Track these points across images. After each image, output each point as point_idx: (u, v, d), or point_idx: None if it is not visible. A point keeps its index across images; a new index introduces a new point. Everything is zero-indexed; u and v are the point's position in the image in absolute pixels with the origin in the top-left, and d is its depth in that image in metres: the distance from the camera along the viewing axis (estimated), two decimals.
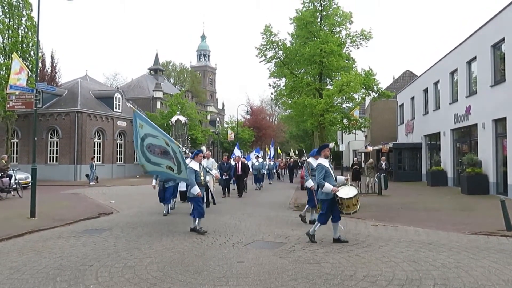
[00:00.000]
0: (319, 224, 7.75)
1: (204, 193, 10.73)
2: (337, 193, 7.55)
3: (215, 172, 10.64)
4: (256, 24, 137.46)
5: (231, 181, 17.98)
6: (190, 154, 14.64)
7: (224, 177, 16.78)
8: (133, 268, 6.14)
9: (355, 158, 25.03)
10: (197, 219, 8.91)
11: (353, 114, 20.91)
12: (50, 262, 6.53)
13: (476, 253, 6.85)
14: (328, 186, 7.51)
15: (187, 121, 30.70)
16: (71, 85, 35.05)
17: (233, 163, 18.48)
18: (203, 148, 9.45)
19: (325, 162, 7.85)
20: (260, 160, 22.79)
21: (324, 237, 8.40)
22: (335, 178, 7.89)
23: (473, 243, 7.64)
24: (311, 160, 9.97)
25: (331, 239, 8.11)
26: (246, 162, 19.41)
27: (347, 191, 7.77)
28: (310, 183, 9.83)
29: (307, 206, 10.30)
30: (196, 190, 8.82)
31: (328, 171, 7.72)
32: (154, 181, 12.15)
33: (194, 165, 9.17)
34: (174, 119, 26.22)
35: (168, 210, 11.88)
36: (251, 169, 21.82)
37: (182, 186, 12.78)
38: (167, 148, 9.33)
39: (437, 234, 8.60)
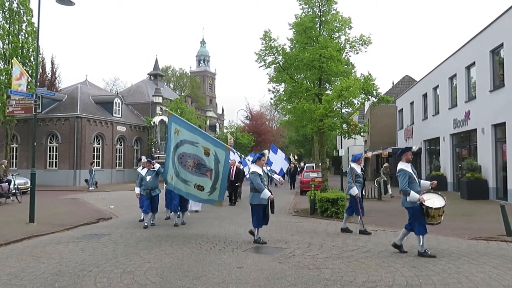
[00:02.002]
0: (421, 236, 7.02)
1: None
2: (423, 202, 6.93)
3: (278, 176, 9.80)
4: (256, 30, 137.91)
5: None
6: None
7: None
8: (132, 274, 6.11)
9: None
10: (257, 229, 8.32)
11: (352, 119, 20.89)
12: (48, 268, 6.50)
13: (476, 258, 6.83)
14: (414, 195, 6.91)
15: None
16: (70, 90, 35.12)
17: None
18: (266, 151, 9.14)
19: (407, 167, 7.27)
20: None
21: (324, 242, 8.38)
22: (419, 183, 7.31)
23: (473, 248, 7.62)
24: (354, 165, 9.70)
25: (330, 244, 8.08)
26: (242, 167, 18.50)
27: (434, 200, 7.12)
28: (355, 191, 9.40)
29: (345, 215, 9.77)
30: (266, 194, 8.13)
31: (412, 177, 7.18)
32: (137, 189, 10.99)
33: (257, 169, 8.48)
34: (157, 119, 24.36)
35: (153, 220, 10.95)
36: (248, 175, 21.27)
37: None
38: (204, 159, 8.63)
39: (437, 240, 8.58)
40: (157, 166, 10.97)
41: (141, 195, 10.74)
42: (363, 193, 10.28)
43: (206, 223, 11.19)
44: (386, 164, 20.39)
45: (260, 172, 8.43)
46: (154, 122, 22.94)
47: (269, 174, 9.18)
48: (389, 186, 18.53)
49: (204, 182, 8.93)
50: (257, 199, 8.21)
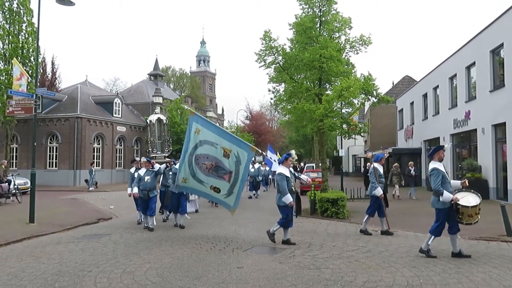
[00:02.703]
0: (432, 236, 6.95)
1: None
2: (457, 201, 6.71)
3: (305, 177, 9.29)
4: (256, 30, 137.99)
5: None
6: (171, 160, 14.11)
7: None
8: (132, 274, 6.11)
9: (368, 164, 21.43)
10: (282, 228, 8.21)
11: (352, 119, 20.88)
12: (48, 268, 6.50)
13: (476, 258, 6.83)
14: (447, 196, 6.69)
15: (166, 121, 27.10)
16: (71, 91, 35.11)
17: None
18: (292, 152, 8.74)
19: (440, 166, 7.01)
20: (256, 165, 21.39)
21: (324, 242, 8.37)
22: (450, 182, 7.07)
23: (473, 249, 7.62)
24: (377, 165, 9.46)
25: (330, 244, 8.07)
26: None
27: (468, 198, 6.84)
28: (379, 192, 9.15)
29: (366, 216, 9.47)
30: (288, 199, 7.92)
31: (445, 177, 6.93)
32: (129, 189, 10.98)
33: (284, 170, 8.17)
34: (154, 117, 23.13)
35: (153, 223, 10.43)
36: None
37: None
38: (223, 161, 8.39)
39: (437, 240, 8.54)
40: (157, 166, 10.73)
41: (139, 196, 10.50)
42: (398, 193, 9.96)
43: (206, 224, 11.18)
44: (396, 164, 19.65)
45: (287, 173, 8.14)
46: (151, 121, 21.98)
47: (296, 175, 8.77)
48: (397, 186, 17.94)
49: (220, 184, 8.70)
50: (283, 201, 8.02)
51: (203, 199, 15.58)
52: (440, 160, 7.17)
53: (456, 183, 7.26)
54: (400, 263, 6.58)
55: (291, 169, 8.53)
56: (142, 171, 10.53)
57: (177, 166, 10.56)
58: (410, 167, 18.65)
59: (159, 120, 22.41)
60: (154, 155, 19.05)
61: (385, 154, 10.50)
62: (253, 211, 14.32)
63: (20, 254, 7.60)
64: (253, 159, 23.01)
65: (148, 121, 21.66)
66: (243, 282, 5.66)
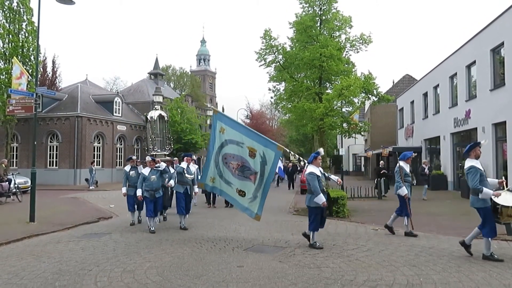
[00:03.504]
0: (489, 239, 6.70)
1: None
2: (496, 200, 6.52)
3: (335, 177, 8.70)
4: (256, 29, 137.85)
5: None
6: (174, 159, 13.78)
7: None
8: (132, 273, 6.11)
9: (381, 162, 20.28)
10: (312, 233, 7.85)
11: (352, 118, 20.90)
12: (49, 267, 6.50)
13: (477, 257, 6.83)
14: (487, 192, 6.47)
15: (167, 118, 26.05)
16: (71, 90, 35.11)
17: None
18: (321, 150, 8.35)
19: (477, 163, 6.77)
20: None
21: (324, 241, 8.37)
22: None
23: (473, 247, 7.59)
24: (403, 164, 9.20)
25: (331, 243, 8.07)
26: None
27: (506, 197, 6.64)
28: (404, 191, 8.91)
29: (394, 215, 9.26)
30: (321, 199, 7.58)
31: (483, 175, 6.72)
32: (124, 189, 10.88)
33: (315, 169, 7.83)
34: (155, 114, 21.77)
35: (157, 222, 10.37)
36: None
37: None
38: (249, 160, 8.07)
39: (437, 238, 8.58)
40: (163, 165, 10.47)
41: (144, 197, 9.93)
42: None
43: (206, 223, 11.18)
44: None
45: (318, 173, 7.82)
46: (152, 117, 20.95)
47: (326, 175, 8.43)
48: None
49: (246, 186, 8.32)
50: (315, 202, 7.69)
51: (200, 199, 15.56)
52: (477, 158, 6.93)
53: (493, 181, 7.09)
54: (400, 262, 6.59)
55: (321, 168, 8.17)
56: (146, 171, 10.04)
57: (182, 165, 10.42)
58: (424, 165, 17.50)
59: (160, 116, 21.54)
60: (154, 153, 18.59)
61: (413, 154, 10.05)
62: None
63: (21, 253, 7.60)
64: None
65: (149, 117, 20.77)
66: (244, 281, 5.67)
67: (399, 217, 9.16)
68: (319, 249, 7.59)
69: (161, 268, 6.37)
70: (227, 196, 9.26)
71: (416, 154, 12.45)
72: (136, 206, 10.94)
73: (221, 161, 8.55)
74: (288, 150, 8.84)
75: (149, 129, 21.13)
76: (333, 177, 8.54)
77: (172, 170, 11.07)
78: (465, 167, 6.87)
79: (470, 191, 6.82)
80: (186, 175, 10.29)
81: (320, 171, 7.98)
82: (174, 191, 11.01)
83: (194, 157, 9.22)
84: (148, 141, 20.64)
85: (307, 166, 8.13)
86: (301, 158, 9.57)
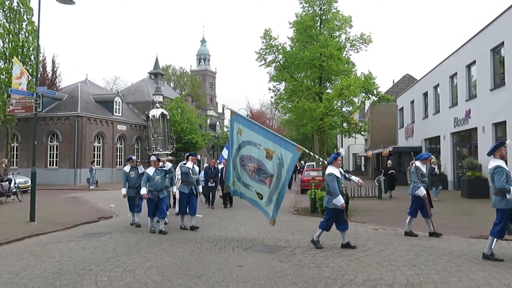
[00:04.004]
0: (495, 239, 6.64)
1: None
2: None
3: (356, 178, 8.39)
4: (256, 28, 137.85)
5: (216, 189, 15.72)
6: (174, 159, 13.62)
7: (210, 184, 14.95)
8: (132, 272, 6.12)
9: (389, 161, 19.75)
10: (320, 230, 7.73)
11: (353, 118, 20.91)
12: (49, 267, 6.51)
13: (476, 256, 6.83)
14: None
15: (169, 117, 25.40)
16: (71, 89, 35.13)
17: (221, 167, 16.12)
18: (341, 150, 8.10)
19: (503, 163, 6.67)
20: None
21: (324, 241, 8.38)
22: None
23: (473, 247, 7.62)
24: (419, 164, 9.07)
25: (331, 243, 8.07)
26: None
27: None
28: (422, 192, 8.71)
29: (409, 217, 8.99)
30: (340, 201, 7.40)
31: (509, 175, 6.58)
32: (124, 190, 10.67)
33: (335, 170, 7.68)
34: (157, 112, 20.95)
35: (158, 227, 9.74)
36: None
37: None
38: (266, 163, 7.87)
39: (437, 238, 8.58)
40: (168, 165, 10.15)
41: (148, 197, 9.63)
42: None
43: (206, 222, 11.18)
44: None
45: (338, 174, 7.67)
46: (154, 116, 20.11)
47: (346, 175, 8.17)
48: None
49: (262, 190, 8.16)
50: (333, 203, 7.52)
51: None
52: (502, 158, 6.84)
53: None
54: (400, 261, 6.59)
55: (341, 169, 7.99)
56: (150, 171, 9.79)
57: (188, 165, 10.27)
58: (433, 165, 16.60)
59: (162, 115, 20.83)
60: (156, 153, 18.25)
61: (431, 155, 9.77)
62: (252, 209, 14.29)
63: (21, 253, 7.61)
64: None
65: (150, 115, 19.99)
66: (244, 280, 5.67)
67: (413, 218, 8.97)
68: (319, 248, 7.56)
69: (161, 267, 6.38)
70: (248, 199, 8.88)
71: (433, 156, 11.77)
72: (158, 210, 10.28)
73: (239, 163, 8.39)
74: (307, 151, 8.57)
75: (150, 127, 20.59)
76: (353, 178, 8.33)
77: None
78: (489, 167, 6.79)
79: (494, 191, 6.72)
80: (192, 175, 10.18)
81: (340, 172, 7.83)
82: (175, 192, 10.94)
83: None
84: (150, 140, 20.22)
85: (327, 167, 7.94)
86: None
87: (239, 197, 9.24)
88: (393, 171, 18.35)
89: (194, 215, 10.09)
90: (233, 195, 9.61)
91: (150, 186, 9.65)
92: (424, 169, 9.23)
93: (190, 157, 10.57)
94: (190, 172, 10.17)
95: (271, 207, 8.03)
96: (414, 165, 9.23)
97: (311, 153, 9.32)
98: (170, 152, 20.92)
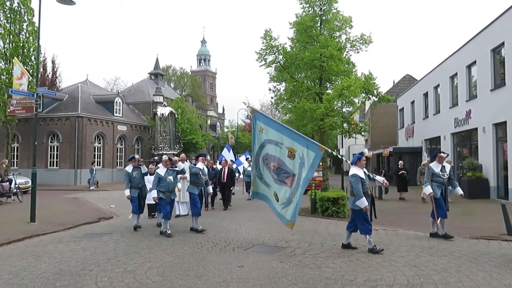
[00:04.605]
0: None
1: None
2: None
3: (381, 178, 8.15)
4: (256, 29, 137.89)
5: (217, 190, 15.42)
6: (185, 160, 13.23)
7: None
8: (133, 273, 6.12)
9: (400, 162, 19.14)
10: (367, 237, 7.34)
11: (353, 118, 20.87)
12: (49, 267, 6.51)
13: (477, 257, 6.83)
14: None
15: (177, 116, 24.11)
16: (71, 90, 35.15)
17: (219, 167, 16.02)
18: (365, 150, 7.90)
19: None
20: None
21: (325, 241, 8.37)
22: None
23: (474, 248, 7.62)
24: (433, 164, 8.88)
25: (331, 243, 8.07)
26: (234, 166, 16.94)
27: None
28: (428, 190, 8.63)
29: (432, 219, 8.89)
30: (363, 202, 7.18)
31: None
32: (128, 191, 10.18)
33: (359, 171, 7.43)
34: (166, 110, 20.21)
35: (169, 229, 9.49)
36: (242, 176, 19.53)
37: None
38: (287, 162, 7.64)
39: (437, 239, 8.58)
40: (181, 165, 9.86)
41: (159, 198, 9.39)
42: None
43: (206, 223, 11.17)
44: (425, 162, 16.77)
45: (362, 175, 7.42)
46: (163, 114, 19.20)
47: (371, 176, 7.90)
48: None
49: (280, 191, 7.87)
50: (358, 205, 7.29)
51: None
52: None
53: None
54: (401, 262, 6.59)
55: (365, 170, 7.75)
56: (162, 171, 9.47)
57: (198, 165, 10.09)
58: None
59: (171, 113, 20.10)
60: (163, 152, 17.68)
61: (443, 154, 9.42)
62: (252, 210, 14.33)
63: (21, 253, 7.61)
64: (250, 157, 22.10)
65: (159, 114, 19.17)
66: (244, 281, 5.67)
67: (444, 219, 8.73)
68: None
69: (161, 268, 6.38)
70: (267, 200, 8.50)
71: (448, 155, 11.26)
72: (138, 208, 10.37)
73: (262, 162, 8.16)
74: (329, 151, 8.37)
75: (158, 126, 20.05)
76: (378, 178, 8.07)
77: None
78: (436, 170, 6.83)
79: None
80: (202, 176, 10.04)
81: (365, 172, 7.59)
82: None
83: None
84: (157, 139, 19.84)
85: (350, 167, 7.67)
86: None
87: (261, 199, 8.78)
88: (404, 171, 17.81)
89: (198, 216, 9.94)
90: (254, 197, 9.20)
91: (162, 187, 9.34)
92: (436, 168, 8.81)
93: (200, 158, 10.36)
94: (200, 173, 9.99)
95: (290, 208, 7.69)
96: (427, 165, 9.00)
97: (333, 153, 9.09)
98: (176, 152, 20.60)
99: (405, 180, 17.62)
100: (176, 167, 9.80)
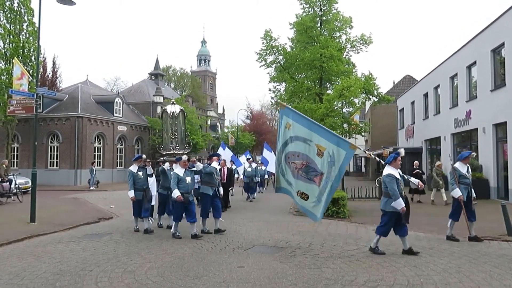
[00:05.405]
0: None
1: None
2: None
3: (416, 180, 7.91)
4: (256, 29, 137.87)
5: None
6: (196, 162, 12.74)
7: None
8: (133, 273, 6.11)
9: (416, 162, 18.37)
10: (378, 237, 7.23)
11: (353, 118, 20.91)
12: (49, 267, 6.51)
13: (477, 258, 6.82)
14: None
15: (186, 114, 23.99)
16: (71, 90, 35.16)
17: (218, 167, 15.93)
18: (401, 150, 7.77)
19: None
20: (254, 165, 19.41)
21: (325, 242, 8.37)
22: None
23: (474, 248, 7.61)
24: (458, 164, 8.55)
25: (331, 244, 8.06)
26: (234, 167, 16.84)
27: None
28: (457, 193, 8.24)
29: (450, 221, 8.55)
30: (400, 204, 6.90)
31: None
32: (132, 192, 9.66)
33: (394, 171, 7.19)
34: (176, 108, 19.69)
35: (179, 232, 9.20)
36: (241, 176, 19.37)
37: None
38: (316, 160, 7.36)
39: (438, 239, 8.58)
40: (199, 166, 9.51)
41: (176, 201, 8.91)
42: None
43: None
44: (439, 162, 16.27)
45: (397, 175, 7.15)
46: (174, 112, 18.37)
47: (405, 177, 7.57)
48: (443, 190, 15.11)
49: (309, 189, 7.61)
50: (392, 206, 7.03)
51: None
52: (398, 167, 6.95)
53: None
54: (401, 262, 6.58)
55: (399, 170, 7.45)
56: (180, 171, 9.07)
57: (214, 165, 9.80)
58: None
59: (182, 112, 19.51)
60: (174, 152, 17.08)
61: (472, 153, 9.15)
62: (252, 210, 14.33)
63: (21, 254, 7.61)
64: (250, 158, 21.73)
65: (169, 112, 18.44)
66: (244, 281, 5.67)
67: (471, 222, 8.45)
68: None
69: (161, 268, 6.38)
70: (292, 196, 8.25)
71: (475, 154, 10.84)
72: (140, 211, 9.86)
73: (284, 160, 7.93)
74: (361, 149, 8.01)
75: (167, 124, 19.39)
76: (413, 179, 7.81)
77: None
78: (463, 171, 6.71)
79: None
80: (216, 176, 9.78)
81: (399, 173, 7.33)
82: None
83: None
84: (165, 138, 19.28)
85: (384, 167, 7.40)
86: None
87: (287, 194, 8.49)
88: (419, 170, 17.03)
89: (219, 218, 9.60)
90: (276, 192, 8.97)
91: (180, 188, 8.90)
92: (463, 169, 8.52)
93: (213, 157, 10.10)
94: (215, 173, 9.74)
95: (320, 207, 7.46)
96: (451, 166, 8.75)
97: (365, 152, 8.97)
98: (186, 152, 20.11)
99: (421, 180, 17.34)
100: (194, 167, 9.46)
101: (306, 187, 7.63)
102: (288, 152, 7.82)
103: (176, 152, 18.18)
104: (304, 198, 7.67)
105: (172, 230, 9.20)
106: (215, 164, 9.87)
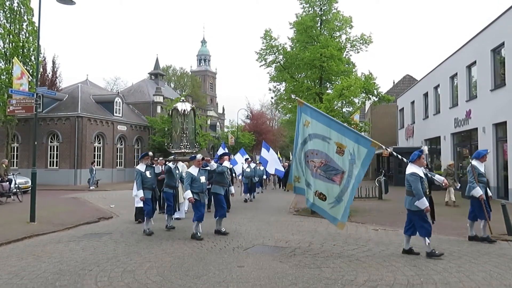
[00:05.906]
0: None
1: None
2: None
3: (441, 178, 7.54)
4: (256, 29, 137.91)
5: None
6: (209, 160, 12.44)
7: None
8: (132, 273, 6.11)
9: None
10: (425, 239, 6.88)
11: (353, 118, 20.91)
12: (49, 267, 6.50)
13: (477, 257, 6.82)
14: None
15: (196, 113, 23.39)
16: (71, 90, 35.15)
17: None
18: (425, 148, 7.60)
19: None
20: (253, 165, 19.21)
21: (325, 241, 8.36)
22: None
23: (474, 248, 7.61)
24: (476, 163, 8.34)
25: (331, 243, 8.05)
26: (232, 166, 15.91)
27: None
28: (478, 192, 8.01)
29: (469, 222, 8.44)
30: (424, 203, 6.74)
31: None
32: (141, 192, 9.35)
33: (418, 170, 7.02)
34: (187, 107, 19.04)
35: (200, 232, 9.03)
36: (240, 177, 19.24)
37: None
38: (336, 159, 7.18)
39: (438, 239, 8.56)
40: (213, 165, 9.35)
41: (194, 199, 8.76)
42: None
43: (206, 223, 11.14)
44: (451, 162, 16.10)
45: (421, 173, 6.99)
46: (185, 110, 17.70)
47: (429, 175, 7.37)
48: (452, 190, 14.43)
49: (328, 189, 7.37)
50: (416, 205, 6.89)
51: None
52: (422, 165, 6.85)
53: None
54: (401, 262, 6.58)
55: (423, 169, 7.26)
56: (194, 171, 8.85)
57: (226, 164, 9.67)
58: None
59: (193, 110, 19.04)
60: (184, 151, 16.65)
61: (488, 151, 8.99)
62: (252, 211, 14.32)
63: (21, 253, 7.60)
64: (249, 158, 21.55)
65: (180, 110, 17.73)
66: (244, 281, 5.67)
67: (475, 222, 8.34)
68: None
69: (161, 268, 6.37)
70: (307, 198, 8.06)
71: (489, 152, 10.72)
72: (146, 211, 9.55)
73: (303, 158, 7.70)
74: (383, 147, 7.88)
75: (177, 123, 18.83)
76: (438, 177, 7.52)
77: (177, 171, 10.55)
78: (482, 169, 6.61)
79: None
80: (227, 175, 9.69)
81: (423, 171, 7.14)
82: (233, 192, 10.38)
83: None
84: (174, 137, 18.79)
85: (408, 165, 7.20)
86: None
87: (303, 195, 8.29)
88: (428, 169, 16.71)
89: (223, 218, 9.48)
90: (295, 192, 8.66)
91: (194, 187, 8.74)
92: (481, 168, 8.35)
93: (224, 157, 9.92)
94: (226, 172, 9.58)
95: (340, 208, 7.22)
96: (469, 164, 8.60)
97: (387, 149, 8.66)
98: (195, 150, 19.80)
99: (432, 181, 17.19)
100: (208, 166, 9.29)
101: (325, 187, 7.42)
102: (308, 150, 7.64)
103: (186, 150, 17.94)
104: (322, 199, 7.46)
105: (193, 230, 8.93)
106: (226, 163, 9.74)
